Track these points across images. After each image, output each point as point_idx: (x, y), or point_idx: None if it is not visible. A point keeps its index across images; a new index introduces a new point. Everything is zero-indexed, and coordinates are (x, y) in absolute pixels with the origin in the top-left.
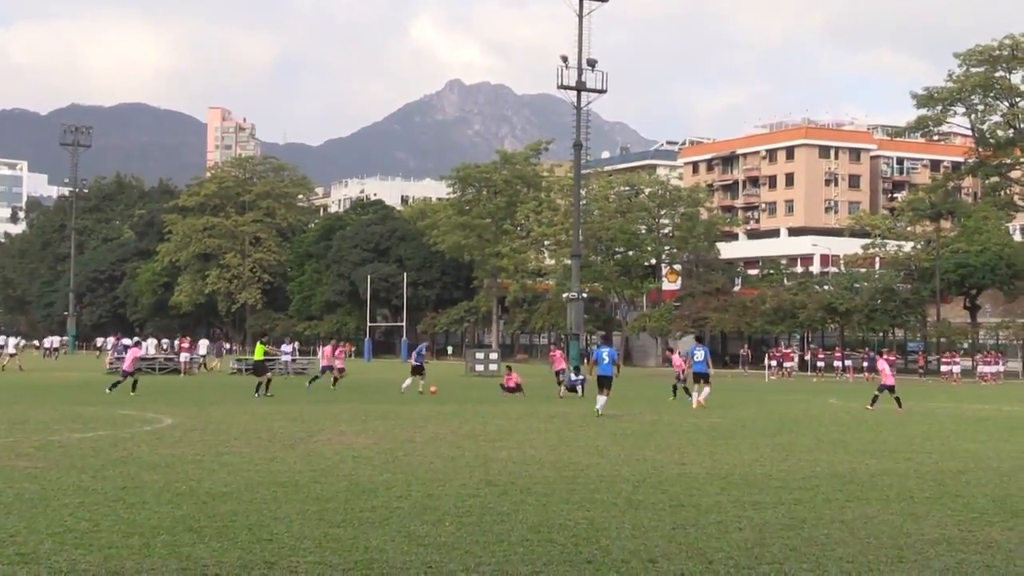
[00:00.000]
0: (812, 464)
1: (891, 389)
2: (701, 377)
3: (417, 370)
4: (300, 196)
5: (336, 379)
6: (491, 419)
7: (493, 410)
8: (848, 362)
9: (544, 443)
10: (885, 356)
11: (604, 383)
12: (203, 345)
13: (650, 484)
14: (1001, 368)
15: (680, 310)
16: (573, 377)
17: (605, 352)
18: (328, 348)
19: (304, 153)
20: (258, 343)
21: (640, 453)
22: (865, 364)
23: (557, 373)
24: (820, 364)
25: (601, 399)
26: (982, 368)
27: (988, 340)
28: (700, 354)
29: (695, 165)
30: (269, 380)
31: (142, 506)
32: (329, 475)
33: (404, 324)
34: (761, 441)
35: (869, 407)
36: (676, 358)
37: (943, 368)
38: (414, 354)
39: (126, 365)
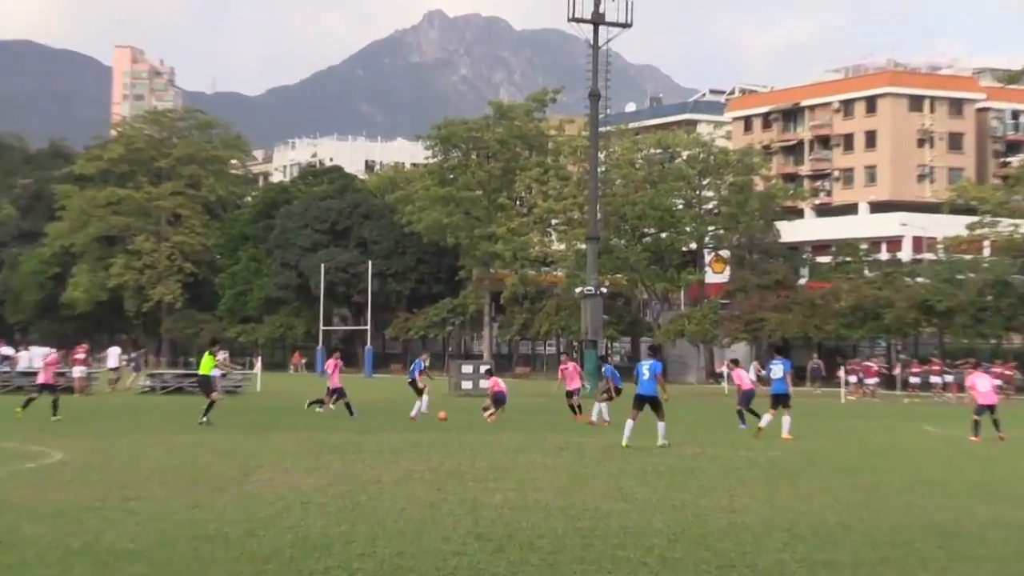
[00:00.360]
0: (903, 511)
1: (991, 409)
2: (780, 400)
3: (414, 388)
4: (233, 161)
5: (336, 400)
6: (482, 451)
7: (484, 439)
8: (949, 377)
9: (551, 483)
10: (983, 369)
11: (645, 404)
12: (112, 355)
13: (690, 538)
14: None
15: (728, 309)
16: (607, 369)
17: (646, 365)
18: (331, 362)
19: (239, 105)
20: (206, 353)
21: (677, 497)
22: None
23: (569, 394)
24: (913, 380)
25: (659, 432)
26: None
27: None
28: (779, 369)
29: (747, 120)
30: (213, 403)
31: (22, 568)
32: (269, 527)
33: (369, 327)
34: (836, 481)
35: (973, 437)
36: (741, 373)
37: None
38: (413, 369)
39: (44, 378)
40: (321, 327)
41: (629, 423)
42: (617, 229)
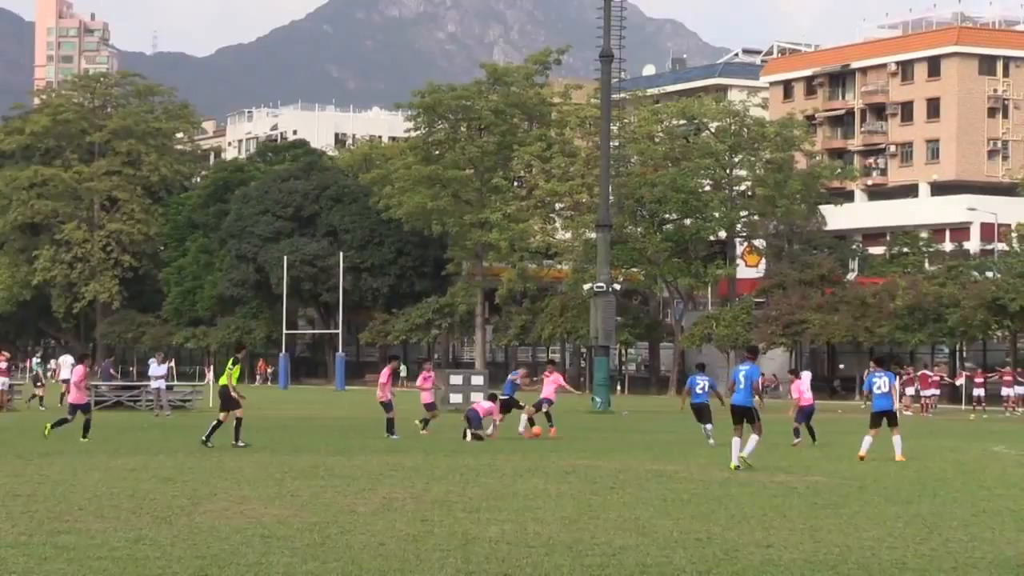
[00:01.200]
0: (968, 546)
1: None
2: (885, 416)
3: (510, 404)
4: (179, 135)
5: (427, 420)
6: (474, 476)
7: (476, 463)
8: (1022, 389)
9: (555, 514)
10: None
11: (740, 416)
12: (65, 364)
13: None
14: None
15: (764, 309)
16: (692, 381)
17: (742, 372)
18: (423, 376)
19: (186, 68)
20: (230, 360)
21: (703, 528)
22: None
23: (539, 404)
24: (979, 393)
25: (748, 444)
26: None
27: None
28: (883, 382)
29: (787, 86)
30: (239, 420)
31: None
32: (224, 565)
33: (340, 331)
34: (889, 511)
35: None
36: (800, 385)
37: None
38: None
39: None
40: (284, 331)
41: (734, 440)
42: (633, 215)
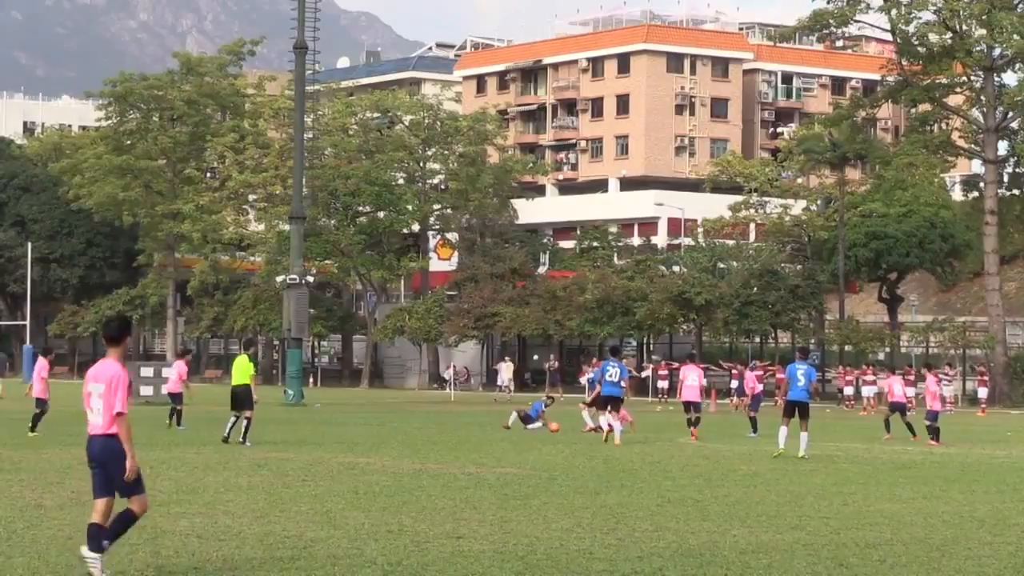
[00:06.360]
0: (654, 536)
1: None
2: (611, 403)
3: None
4: None
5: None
6: (163, 470)
7: (167, 456)
8: (704, 381)
9: (246, 507)
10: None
11: (798, 411)
12: None
13: (409, 569)
14: (951, 389)
15: (456, 303)
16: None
17: (801, 370)
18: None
19: None
20: (242, 355)
21: (394, 521)
22: (735, 384)
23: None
24: (664, 384)
25: (802, 442)
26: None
27: (913, 348)
28: (615, 371)
29: (480, 80)
30: (249, 420)
31: None
32: None
33: (28, 322)
34: (577, 501)
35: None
36: (751, 376)
37: (846, 390)
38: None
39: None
40: None
41: (782, 430)
42: (327, 207)
